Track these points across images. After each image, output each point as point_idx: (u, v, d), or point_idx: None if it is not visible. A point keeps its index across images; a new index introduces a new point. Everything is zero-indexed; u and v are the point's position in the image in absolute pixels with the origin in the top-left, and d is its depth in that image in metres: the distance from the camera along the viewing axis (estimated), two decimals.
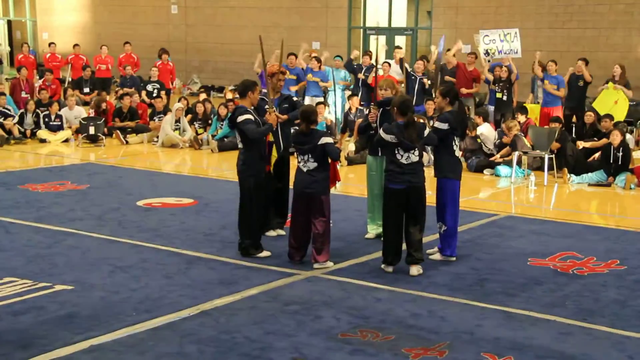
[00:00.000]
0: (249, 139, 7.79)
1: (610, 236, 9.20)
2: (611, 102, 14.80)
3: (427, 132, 7.60)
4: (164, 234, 8.74)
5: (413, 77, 15.40)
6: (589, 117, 14.40)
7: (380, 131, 7.58)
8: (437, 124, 7.80)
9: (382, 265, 7.52)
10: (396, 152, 7.39)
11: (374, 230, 8.62)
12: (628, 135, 13.69)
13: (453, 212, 7.87)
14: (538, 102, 15.76)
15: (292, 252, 7.74)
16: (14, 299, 6.52)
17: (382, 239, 7.78)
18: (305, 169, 7.61)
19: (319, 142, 7.54)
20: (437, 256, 7.95)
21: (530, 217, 10.18)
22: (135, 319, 6.12)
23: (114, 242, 8.42)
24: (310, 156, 7.57)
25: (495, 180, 12.79)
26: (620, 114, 14.74)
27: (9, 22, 30.93)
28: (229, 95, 17.85)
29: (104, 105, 16.76)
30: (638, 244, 8.81)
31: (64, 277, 7.13)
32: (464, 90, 15.58)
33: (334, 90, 16.69)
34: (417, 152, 7.40)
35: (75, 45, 21.99)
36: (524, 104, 15.25)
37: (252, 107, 7.96)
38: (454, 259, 7.91)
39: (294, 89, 16.12)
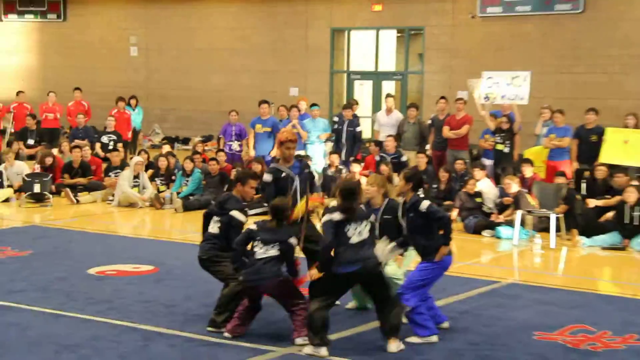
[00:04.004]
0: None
1: (627, 307, 9.23)
2: (620, 144, 14.53)
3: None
4: (119, 307, 8.68)
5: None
6: (600, 172, 14.30)
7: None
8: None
9: (312, 350, 7.21)
10: None
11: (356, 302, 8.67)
12: None
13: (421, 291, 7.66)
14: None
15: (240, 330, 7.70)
16: None
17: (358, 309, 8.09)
18: (263, 256, 7.49)
19: (289, 241, 7.54)
20: (415, 339, 7.65)
21: (536, 284, 10.22)
22: None
23: (60, 316, 8.34)
24: (274, 246, 7.54)
25: (495, 242, 12.84)
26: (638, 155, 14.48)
27: None
28: (199, 148, 17.86)
29: (50, 160, 16.72)
30: None
31: None
32: (452, 135, 15.96)
33: (312, 143, 16.90)
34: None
35: (20, 92, 21.99)
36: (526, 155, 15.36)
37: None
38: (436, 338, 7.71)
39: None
